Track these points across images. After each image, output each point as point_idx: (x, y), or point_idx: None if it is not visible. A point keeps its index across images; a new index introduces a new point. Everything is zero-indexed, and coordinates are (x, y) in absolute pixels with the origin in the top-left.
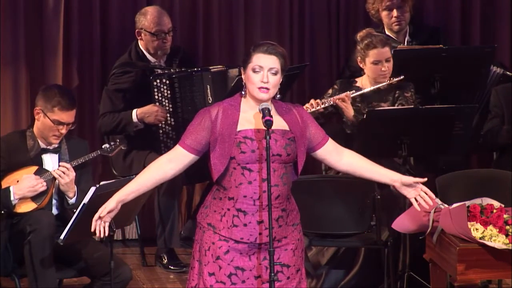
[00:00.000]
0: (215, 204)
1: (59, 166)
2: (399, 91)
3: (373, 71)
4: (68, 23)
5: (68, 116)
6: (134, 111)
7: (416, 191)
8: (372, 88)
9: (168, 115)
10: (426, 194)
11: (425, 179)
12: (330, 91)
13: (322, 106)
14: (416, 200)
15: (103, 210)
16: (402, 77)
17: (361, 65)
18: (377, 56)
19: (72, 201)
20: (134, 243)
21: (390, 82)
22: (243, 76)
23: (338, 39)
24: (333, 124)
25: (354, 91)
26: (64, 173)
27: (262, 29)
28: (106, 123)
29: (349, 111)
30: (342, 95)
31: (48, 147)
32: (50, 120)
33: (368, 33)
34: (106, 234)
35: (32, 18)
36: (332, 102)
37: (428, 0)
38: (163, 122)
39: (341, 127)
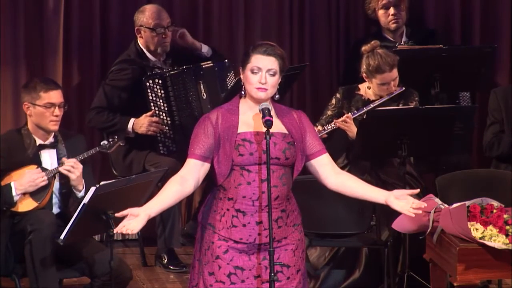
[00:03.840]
0: (215, 204)
1: (59, 163)
2: (403, 101)
3: (379, 90)
4: (68, 23)
5: (56, 96)
6: (131, 121)
7: (408, 204)
8: (372, 106)
9: (164, 114)
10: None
11: (418, 190)
12: (333, 101)
13: (326, 131)
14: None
15: (124, 211)
16: (403, 88)
17: (366, 80)
18: (385, 80)
19: (81, 194)
20: (134, 243)
21: (392, 96)
22: (241, 76)
23: (338, 39)
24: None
25: (355, 111)
26: (73, 167)
27: (262, 29)
28: (99, 120)
29: (353, 131)
30: (344, 117)
31: (46, 142)
32: (41, 106)
33: (374, 51)
34: (130, 233)
35: (32, 18)
36: (334, 126)
37: (428, 1)
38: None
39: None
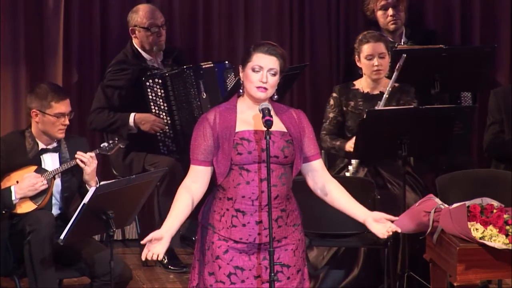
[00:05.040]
0: (214, 204)
1: (60, 165)
2: (403, 96)
3: (367, 66)
4: (68, 23)
5: (66, 106)
6: (132, 115)
7: (384, 228)
8: (388, 89)
9: (164, 114)
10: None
11: (396, 218)
12: (331, 101)
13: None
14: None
15: (148, 237)
16: (404, 55)
17: (358, 64)
18: (370, 50)
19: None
20: (134, 243)
21: (398, 68)
22: (241, 75)
23: (338, 39)
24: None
25: (378, 102)
26: (84, 163)
27: (262, 29)
28: (100, 120)
29: None
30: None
31: (48, 146)
32: (52, 116)
33: (365, 32)
34: (157, 259)
35: (32, 18)
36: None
37: (428, 1)
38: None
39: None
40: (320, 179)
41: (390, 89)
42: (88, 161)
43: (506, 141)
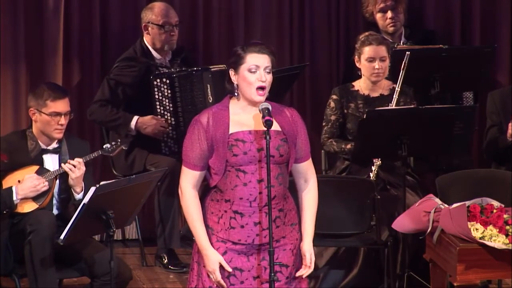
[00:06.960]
0: (212, 206)
1: (60, 166)
2: (403, 97)
3: (367, 69)
4: (68, 23)
5: (62, 105)
6: (135, 118)
7: (305, 265)
8: (397, 89)
9: (169, 114)
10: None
11: (311, 270)
12: (332, 104)
13: None
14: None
15: (216, 277)
16: (408, 53)
17: (357, 65)
18: (372, 53)
19: (78, 196)
20: (134, 243)
21: (404, 67)
22: (234, 77)
23: (338, 39)
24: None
25: (389, 104)
26: (75, 166)
27: (262, 29)
28: (102, 113)
29: None
30: None
31: (48, 147)
32: (47, 115)
33: (367, 33)
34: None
35: (32, 18)
36: None
37: (428, 1)
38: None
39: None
40: (301, 182)
41: (399, 89)
42: (72, 167)
43: (502, 137)
